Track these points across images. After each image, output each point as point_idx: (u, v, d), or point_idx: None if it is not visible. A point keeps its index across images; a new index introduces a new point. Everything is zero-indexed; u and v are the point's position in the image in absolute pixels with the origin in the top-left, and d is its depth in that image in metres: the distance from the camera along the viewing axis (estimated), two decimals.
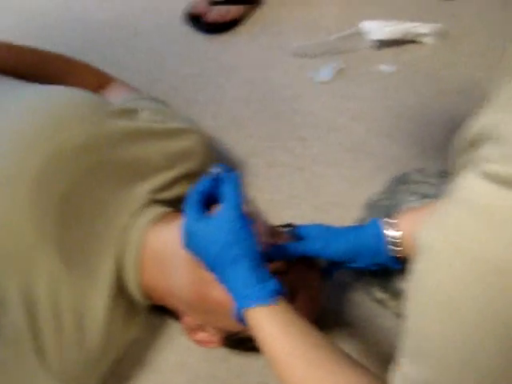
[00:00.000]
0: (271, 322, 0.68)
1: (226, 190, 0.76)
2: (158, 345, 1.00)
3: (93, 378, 0.88)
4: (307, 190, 1.18)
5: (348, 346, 0.98)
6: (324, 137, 1.25)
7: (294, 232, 0.88)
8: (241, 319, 0.72)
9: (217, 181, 0.78)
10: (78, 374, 0.84)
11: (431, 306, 0.48)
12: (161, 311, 0.97)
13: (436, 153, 1.22)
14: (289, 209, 1.15)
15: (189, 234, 0.76)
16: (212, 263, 0.74)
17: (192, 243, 0.76)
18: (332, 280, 0.94)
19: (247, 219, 0.74)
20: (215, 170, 0.80)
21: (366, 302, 1.02)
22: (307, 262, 0.86)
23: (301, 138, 1.24)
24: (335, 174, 1.20)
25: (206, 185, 0.79)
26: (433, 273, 0.48)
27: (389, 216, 0.93)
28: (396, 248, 0.80)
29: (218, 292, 0.78)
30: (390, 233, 0.81)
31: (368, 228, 0.83)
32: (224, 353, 0.98)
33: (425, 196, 0.95)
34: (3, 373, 0.82)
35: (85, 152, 0.86)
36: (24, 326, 0.79)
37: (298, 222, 1.11)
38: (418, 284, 0.51)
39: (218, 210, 0.75)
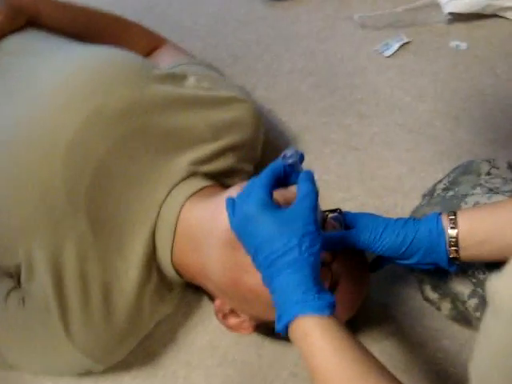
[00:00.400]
0: (323, 335, 0.61)
1: (304, 188, 0.68)
2: (190, 324, 0.96)
3: (118, 353, 0.84)
4: (360, 172, 1.10)
5: (390, 344, 0.92)
6: (384, 115, 1.16)
7: (342, 219, 0.80)
8: (283, 325, 0.64)
9: (292, 167, 0.71)
10: (103, 348, 0.81)
11: (493, 368, 0.45)
12: (197, 289, 0.93)
13: (508, 143, 1.11)
14: (338, 191, 1.08)
15: (247, 217, 0.66)
16: (264, 258, 0.65)
17: (248, 227, 0.66)
18: (381, 271, 0.87)
19: (318, 225, 0.66)
20: (290, 155, 0.71)
21: (416, 299, 0.95)
22: (354, 252, 0.79)
23: (359, 115, 1.16)
24: (393, 157, 1.11)
25: (280, 170, 0.71)
26: (501, 334, 0.45)
27: (450, 210, 0.84)
28: (455, 248, 0.72)
29: (254, 280, 0.72)
30: (451, 231, 0.72)
31: (427, 223, 0.74)
32: (257, 338, 0.93)
33: (492, 190, 0.84)
34: (30, 338, 0.80)
35: (124, 117, 0.82)
36: (50, 293, 0.77)
37: (346, 206, 1.04)
38: (485, 340, 0.47)
39: (289, 203, 0.68)
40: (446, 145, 1.12)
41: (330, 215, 0.81)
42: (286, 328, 0.63)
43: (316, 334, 0.61)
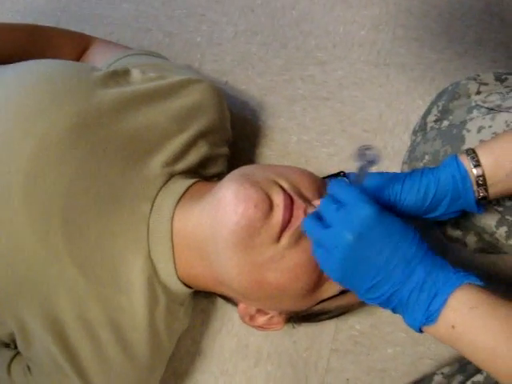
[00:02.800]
0: (492, 304, 0.54)
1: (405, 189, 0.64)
2: (212, 331, 0.90)
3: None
4: (338, 122, 1.03)
5: None
6: (345, 56, 1.09)
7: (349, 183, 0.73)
8: (435, 310, 0.55)
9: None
10: None
11: None
12: (207, 294, 0.86)
13: (479, 49, 1.06)
14: (321, 147, 1.01)
15: (366, 234, 0.57)
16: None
17: (369, 243, 0.57)
18: None
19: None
20: (369, 153, 0.60)
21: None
22: None
23: (320, 63, 1.08)
24: (367, 96, 1.04)
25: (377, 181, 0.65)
26: None
27: (452, 142, 0.78)
28: (483, 187, 0.65)
29: (276, 274, 0.65)
30: (476, 170, 0.64)
31: (447, 168, 0.66)
32: (286, 326, 0.87)
33: (493, 109, 0.77)
34: None
35: (78, 135, 0.69)
36: (56, 352, 0.67)
37: (334, 162, 0.98)
38: None
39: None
40: (416, 70, 1.06)
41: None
42: (437, 311, 0.55)
43: (484, 305, 0.54)
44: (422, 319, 0.55)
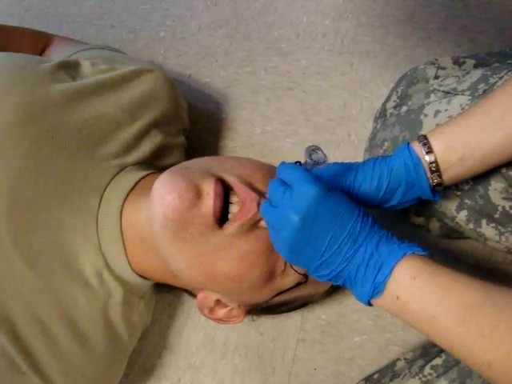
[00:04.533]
0: (434, 273, 0.53)
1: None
2: (179, 324, 0.90)
3: (112, 381, 0.75)
4: (303, 111, 1.02)
5: None
6: (309, 45, 1.08)
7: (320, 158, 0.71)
8: (379, 283, 0.55)
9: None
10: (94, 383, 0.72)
11: None
12: (171, 287, 0.85)
13: (443, 35, 1.05)
14: (285, 138, 1.00)
15: (311, 214, 0.56)
16: (347, 237, 0.56)
17: (315, 223, 0.56)
18: None
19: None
20: (316, 155, 0.62)
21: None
22: None
23: (283, 53, 1.07)
24: (330, 85, 1.04)
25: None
26: None
27: (411, 127, 0.77)
28: (437, 173, 0.64)
29: (226, 263, 0.64)
30: (428, 157, 0.64)
31: (399, 156, 0.65)
32: (251, 318, 0.86)
33: (449, 93, 0.76)
34: None
35: (22, 127, 0.68)
36: (13, 352, 0.66)
37: (298, 151, 0.97)
38: None
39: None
40: (380, 57, 1.06)
41: None
42: (382, 283, 0.55)
43: (425, 274, 0.53)
44: (369, 292, 0.55)
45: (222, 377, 0.85)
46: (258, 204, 0.64)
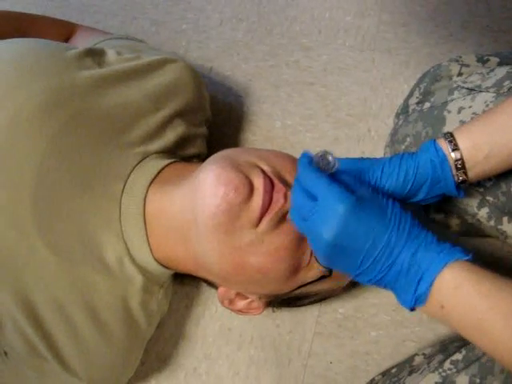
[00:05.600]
0: (479, 281, 0.53)
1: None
2: (196, 315, 0.90)
3: (128, 370, 0.76)
4: (323, 106, 1.02)
5: None
6: (330, 41, 1.08)
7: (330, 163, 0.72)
8: (424, 289, 0.54)
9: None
10: (111, 371, 0.72)
11: None
12: (190, 278, 0.85)
13: (465, 33, 1.05)
14: (305, 132, 1.00)
15: (343, 231, 0.56)
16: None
17: (348, 238, 0.56)
18: None
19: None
20: (325, 160, 0.61)
21: None
22: None
23: (305, 48, 1.08)
24: (351, 81, 1.04)
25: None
26: None
27: (433, 123, 0.77)
28: (462, 171, 0.64)
29: (257, 258, 0.65)
30: (454, 154, 0.63)
31: (425, 153, 0.65)
32: (270, 309, 0.87)
33: (473, 90, 0.76)
34: None
35: (50, 111, 0.68)
36: (33, 336, 0.66)
37: (318, 146, 0.98)
38: None
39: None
40: (402, 55, 1.06)
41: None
42: (425, 293, 0.54)
43: (468, 283, 0.53)
44: (411, 302, 0.55)
45: (238, 367, 0.86)
46: (285, 196, 0.65)
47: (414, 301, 0.55)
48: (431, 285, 0.53)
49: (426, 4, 1.10)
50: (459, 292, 0.53)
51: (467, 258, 0.55)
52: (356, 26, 1.09)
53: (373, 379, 0.81)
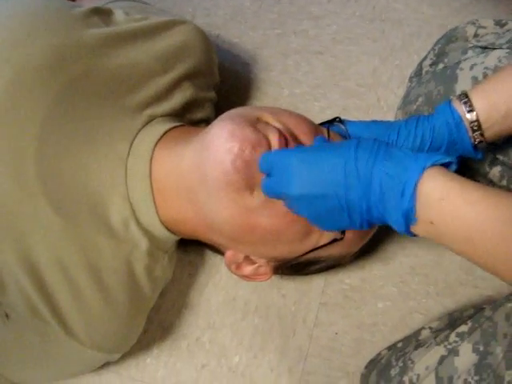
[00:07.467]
0: (463, 187, 0.51)
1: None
2: (199, 284, 0.88)
3: (130, 336, 0.74)
4: (332, 75, 1.00)
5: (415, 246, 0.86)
6: (340, 10, 1.06)
7: (346, 129, 0.70)
8: (409, 196, 0.52)
9: None
10: (113, 337, 0.70)
11: None
12: (189, 245, 0.84)
13: (478, 5, 1.04)
14: (314, 101, 0.99)
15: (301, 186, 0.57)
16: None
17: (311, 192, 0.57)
18: None
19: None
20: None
21: None
22: None
23: (313, 17, 1.05)
24: (361, 51, 1.02)
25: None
26: None
27: (446, 82, 0.76)
28: (479, 132, 0.63)
29: (268, 218, 0.63)
30: (470, 115, 0.62)
31: (441, 115, 0.64)
32: (275, 279, 0.86)
33: (486, 48, 0.74)
34: (30, 352, 0.69)
35: (55, 68, 0.65)
36: (35, 297, 0.64)
37: (327, 115, 0.96)
38: None
39: None
40: (413, 25, 1.03)
41: (330, 128, 0.71)
42: (411, 208, 0.53)
43: (453, 194, 0.51)
44: (402, 221, 0.53)
45: (242, 337, 0.85)
46: None
47: (405, 220, 0.53)
48: (414, 196, 0.52)
49: None
50: (445, 203, 0.51)
51: (449, 159, 0.53)
52: None
53: (379, 354, 0.80)
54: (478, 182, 0.79)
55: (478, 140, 0.63)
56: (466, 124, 0.63)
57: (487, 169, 0.76)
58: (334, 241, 0.66)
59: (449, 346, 0.69)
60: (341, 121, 0.71)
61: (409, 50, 1.01)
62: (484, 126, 0.63)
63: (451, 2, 1.05)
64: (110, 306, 0.69)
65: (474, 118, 0.62)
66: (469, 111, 0.63)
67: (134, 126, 0.71)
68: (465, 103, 0.63)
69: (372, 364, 0.77)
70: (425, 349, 0.73)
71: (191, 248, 0.87)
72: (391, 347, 0.80)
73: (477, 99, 0.63)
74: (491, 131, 0.63)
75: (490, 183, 0.77)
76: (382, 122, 0.68)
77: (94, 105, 0.68)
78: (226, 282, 0.87)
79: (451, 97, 0.72)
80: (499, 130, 0.63)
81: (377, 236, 0.79)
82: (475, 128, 0.63)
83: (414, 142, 0.63)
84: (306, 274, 0.81)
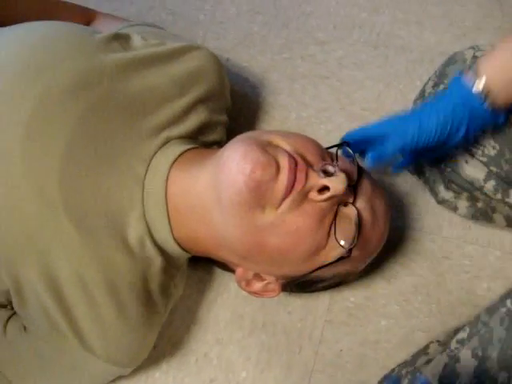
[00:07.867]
0: None
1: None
2: (208, 300, 0.91)
3: (142, 351, 0.76)
4: (337, 100, 1.04)
5: (415, 264, 0.89)
6: (345, 37, 1.10)
7: (353, 153, 0.75)
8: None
9: None
10: (126, 351, 0.73)
11: None
12: (198, 262, 0.86)
13: (478, 33, 1.07)
14: (320, 124, 1.02)
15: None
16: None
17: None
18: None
19: None
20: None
21: (429, 213, 0.92)
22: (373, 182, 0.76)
23: (320, 43, 1.09)
24: (365, 76, 1.05)
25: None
26: None
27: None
28: (491, 98, 0.69)
29: (278, 238, 0.66)
30: (480, 85, 0.69)
31: (454, 90, 0.72)
32: (282, 296, 0.88)
33: None
34: (45, 364, 0.72)
35: (78, 92, 0.69)
36: (54, 309, 0.68)
37: (332, 138, 0.99)
38: None
39: None
40: (415, 52, 1.07)
41: (340, 151, 0.75)
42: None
43: None
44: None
45: (249, 353, 0.87)
46: (307, 175, 0.66)
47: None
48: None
49: (439, 3, 1.11)
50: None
51: None
52: (371, 22, 1.10)
53: (393, 369, 0.83)
54: (475, 196, 0.83)
55: (492, 107, 0.69)
56: (478, 92, 0.69)
57: (482, 183, 0.80)
58: (341, 259, 0.69)
59: (451, 354, 0.72)
60: (348, 145, 0.75)
61: (412, 76, 1.05)
62: (496, 90, 0.68)
63: (452, 30, 1.08)
64: (126, 321, 0.71)
65: (483, 83, 0.68)
66: (477, 78, 0.69)
67: (151, 147, 0.74)
68: (474, 73, 0.69)
69: (385, 379, 0.80)
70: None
71: (200, 265, 0.90)
72: (403, 362, 0.83)
73: (485, 66, 0.69)
74: (505, 95, 0.69)
75: (486, 197, 0.81)
76: (393, 116, 0.78)
77: (115, 127, 0.71)
78: (233, 300, 0.90)
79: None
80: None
81: (381, 255, 0.82)
82: (487, 95, 0.69)
83: (437, 119, 0.71)
84: (313, 291, 0.83)
